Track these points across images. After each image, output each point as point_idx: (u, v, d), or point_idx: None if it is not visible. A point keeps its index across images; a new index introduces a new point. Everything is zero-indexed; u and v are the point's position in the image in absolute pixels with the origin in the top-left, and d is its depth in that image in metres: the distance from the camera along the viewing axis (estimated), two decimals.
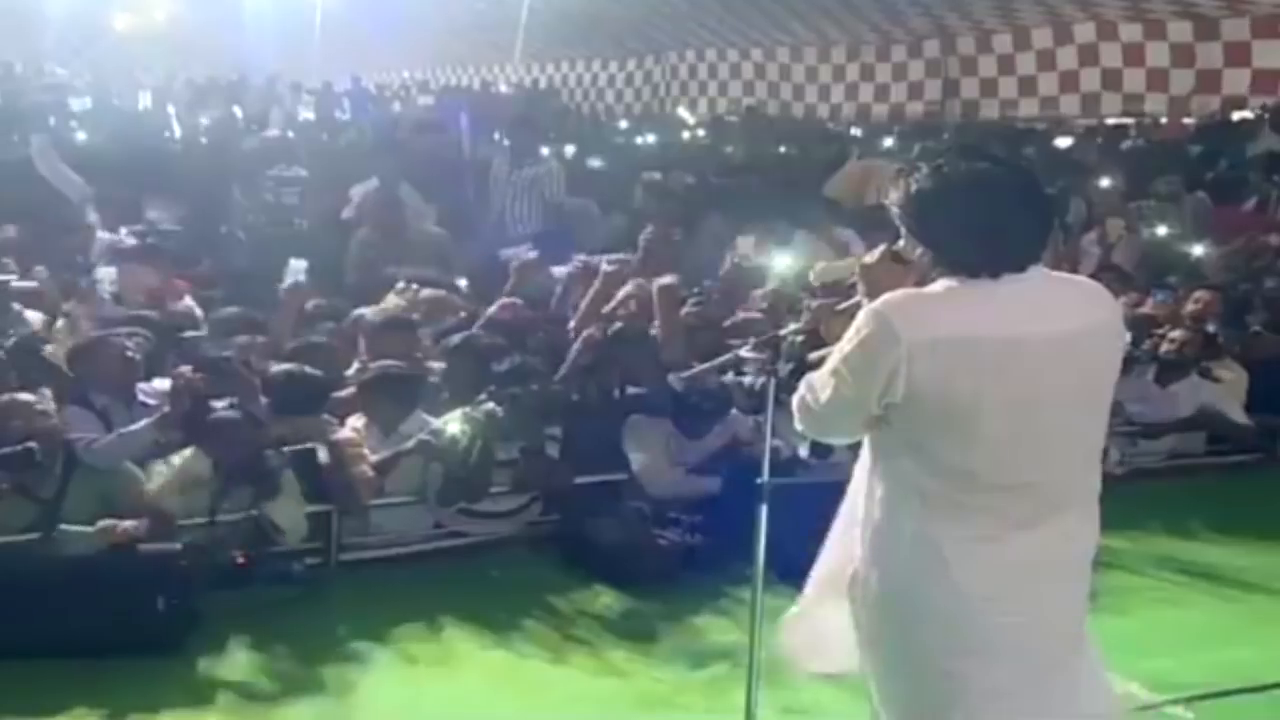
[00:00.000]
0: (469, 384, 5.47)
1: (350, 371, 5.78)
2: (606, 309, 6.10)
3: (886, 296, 2.49)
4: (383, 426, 5.31)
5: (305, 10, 16.79)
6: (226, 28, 17.85)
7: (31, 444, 4.50)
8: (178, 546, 4.45)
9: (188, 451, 4.82)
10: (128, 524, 4.45)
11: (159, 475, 4.77)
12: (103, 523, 4.45)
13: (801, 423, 2.67)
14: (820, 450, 5.32)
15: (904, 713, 2.59)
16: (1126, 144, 11.91)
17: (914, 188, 2.51)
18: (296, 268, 6.19)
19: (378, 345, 5.81)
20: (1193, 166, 10.62)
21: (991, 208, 2.46)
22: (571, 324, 6.25)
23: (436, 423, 5.17)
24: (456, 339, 5.81)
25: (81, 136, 9.96)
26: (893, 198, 2.57)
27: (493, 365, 5.53)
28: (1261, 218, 9.68)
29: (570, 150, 11.32)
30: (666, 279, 6.08)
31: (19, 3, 16.43)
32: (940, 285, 2.49)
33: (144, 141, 10.06)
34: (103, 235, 7.28)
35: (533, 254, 7.09)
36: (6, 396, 4.75)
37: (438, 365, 5.82)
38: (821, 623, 2.83)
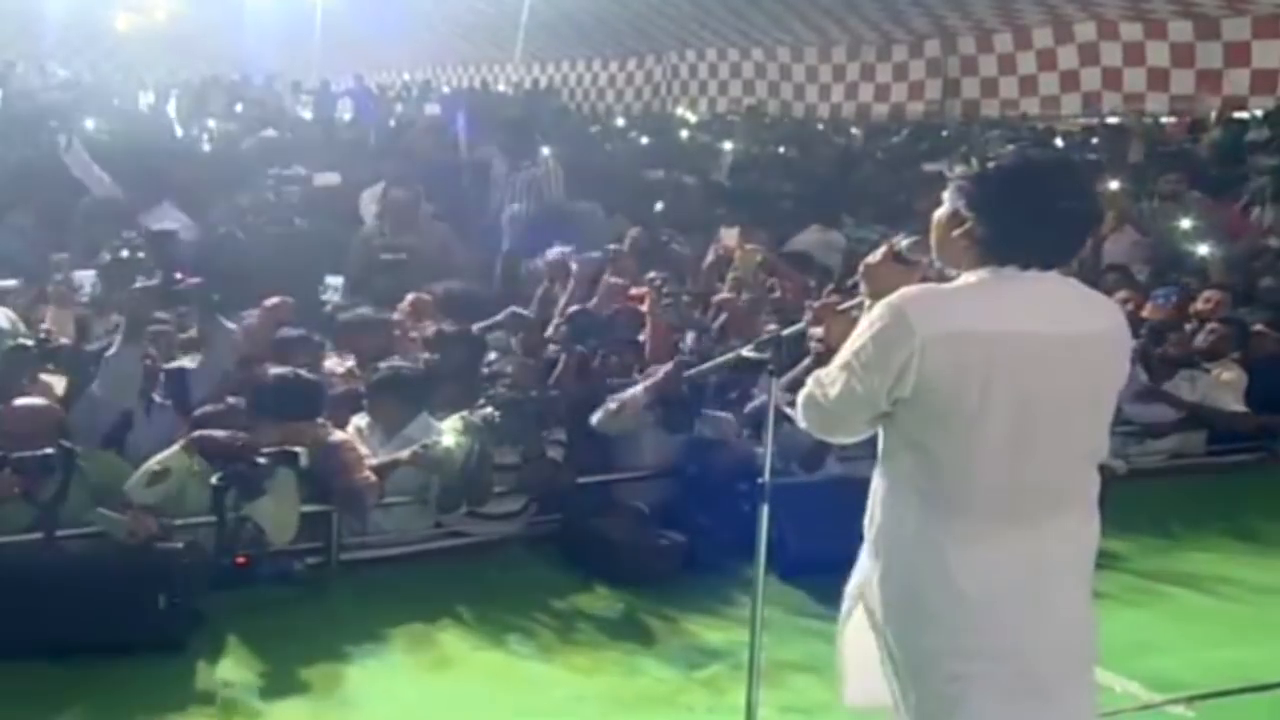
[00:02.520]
0: (448, 378, 5.51)
1: (327, 364, 5.79)
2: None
3: (903, 290, 2.49)
4: (387, 428, 5.30)
5: (306, 10, 16.79)
6: (227, 27, 17.85)
7: (49, 451, 4.52)
8: (180, 545, 4.44)
9: (173, 447, 4.80)
10: (147, 519, 4.46)
11: (139, 474, 4.72)
12: (129, 513, 4.45)
13: (807, 419, 2.65)
14: (811, 462, 5.37)
15: (914, 714, 2.58)
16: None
17: (991, 163, 2.52)
18: (333, 284, 6.22)
19: (348, 344, 5.85)
20: (1196, 165, 10.62)
21: (1059, 200, 2.48)
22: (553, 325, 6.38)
23: (433, 434, 5.14)
24: (432, 332, 5.83)
25: (104, 136, 9.96)
26: (958, 170, 2.56)
27: (473, 359, 5.61)
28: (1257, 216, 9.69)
29: (569, 150, 11.31)
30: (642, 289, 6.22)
31: (20, 2, 16.42)
32: (960, 280, 2.51)
33: (145, 141, 10.06)
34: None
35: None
36: (24, 401, 4.78)
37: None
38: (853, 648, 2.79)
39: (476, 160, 9.68)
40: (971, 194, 2.53)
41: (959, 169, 2.57)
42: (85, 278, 6.02)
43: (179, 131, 11.30)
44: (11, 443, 4.53)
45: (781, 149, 12.79)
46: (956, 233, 2.54)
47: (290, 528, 4.85)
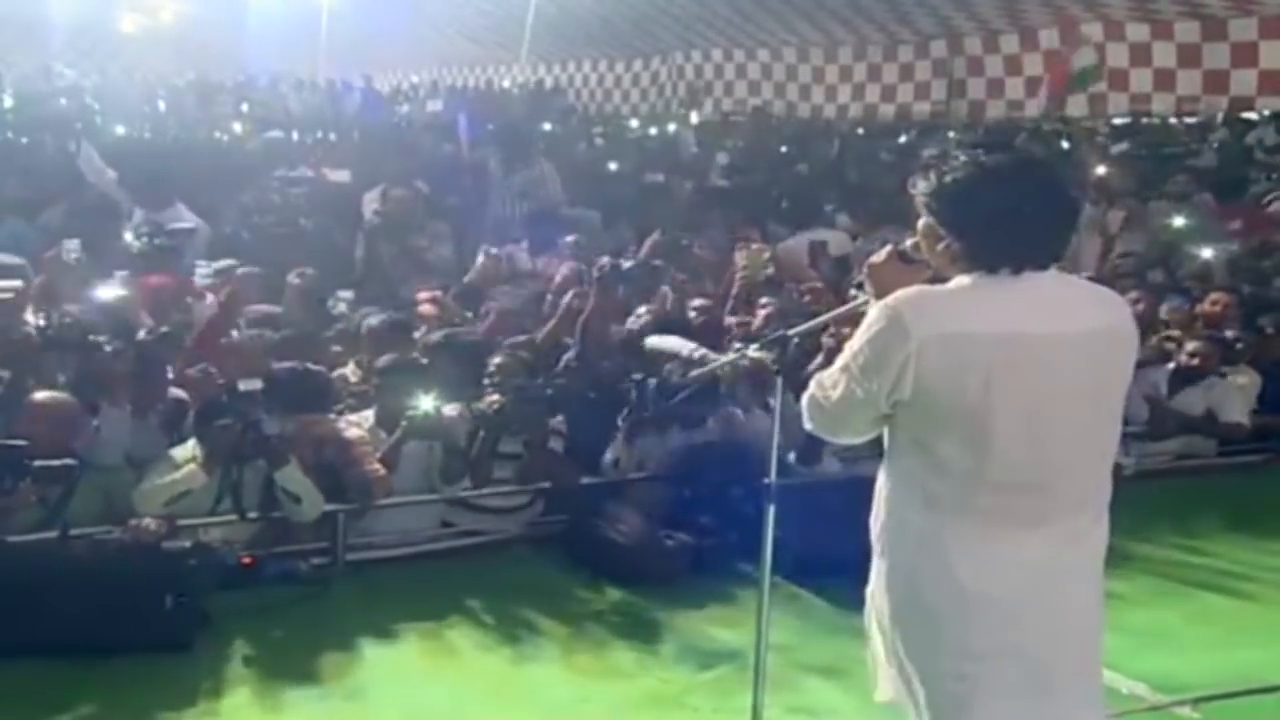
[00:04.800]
0: (455, 381, 5.51)
1: (346, 370, 5.80)
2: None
3: (899, 292, 2.48)
4: (391, 423, 5.30)
5: (312, 11, 16.82)
6: (233, 29, 17.89)
7: (73, 462, 4.54)
8: (186, 545, 4.45)
9: (187, 466, 4.80)
10: (150, 523, 4.46)
11: (153, 489, 4.74)
12: (132, 522, 4.48)
13: (811, 421, 2.65)
14: (808, 455, 5.36)
15: (924, 713, 2.57)
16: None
17: (947, 178, 2.50)
18: (344, 296, 6.31)
19: (377, 347, 5.86)
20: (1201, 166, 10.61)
21: (1024, 201, 2.45)
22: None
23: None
24: (438, 336, 5.85)
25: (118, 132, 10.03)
26: (921, 188, 2.55)
27: (479, 362, 5.61)
28: (1264, 214, 9.66)
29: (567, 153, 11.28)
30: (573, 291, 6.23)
31: (28, 5, 16.46)
32: (955, 282, 2.49)
33: (155, 142, 10.10)
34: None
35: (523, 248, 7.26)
36: (43, 395, 4.79)
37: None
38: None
39: (477, 160, 9.69)
40: (937, 212, 2.52)
41: (921, 185, 2.55)
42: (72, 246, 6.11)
43: (186, 133, 11.34)
44: (35, 441, 4.55)
45: (785, 149, 12.79)
46: (939, 247, 2.54)
47: (318, 500, 4.88)
